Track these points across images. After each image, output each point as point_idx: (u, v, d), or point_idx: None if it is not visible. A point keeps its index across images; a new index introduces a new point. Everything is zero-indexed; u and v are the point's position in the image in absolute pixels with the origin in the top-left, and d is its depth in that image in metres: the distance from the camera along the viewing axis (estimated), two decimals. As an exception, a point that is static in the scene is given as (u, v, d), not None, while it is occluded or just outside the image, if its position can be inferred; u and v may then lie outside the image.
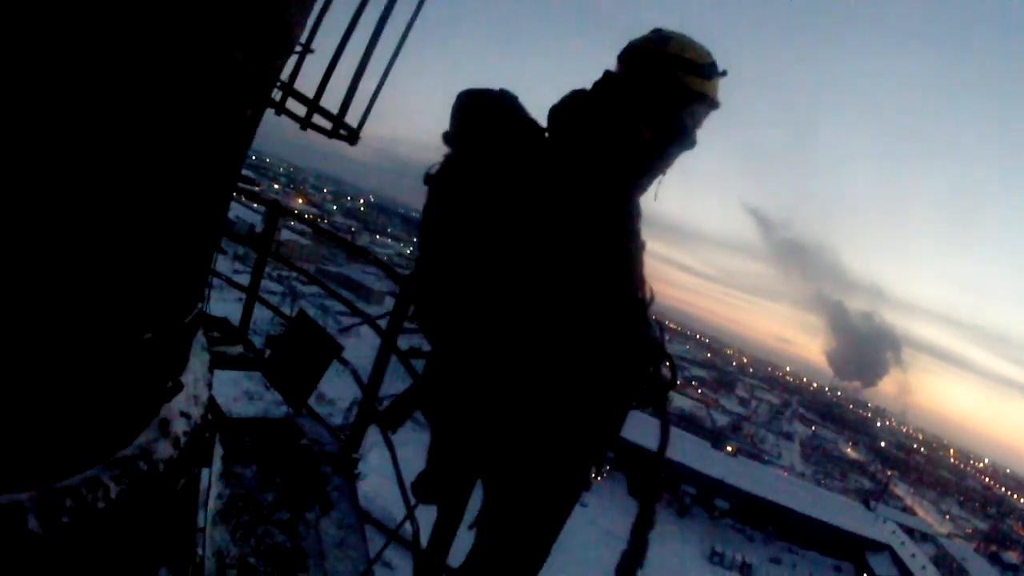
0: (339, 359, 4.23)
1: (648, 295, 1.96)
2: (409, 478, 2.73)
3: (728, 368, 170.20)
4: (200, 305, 1.93)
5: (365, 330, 4.46)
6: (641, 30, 2.17)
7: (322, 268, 69.22)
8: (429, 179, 2.17)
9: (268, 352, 4.78)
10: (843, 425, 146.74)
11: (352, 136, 3.76)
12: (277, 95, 3.50)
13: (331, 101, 3.52)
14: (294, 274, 56.66)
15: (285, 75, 3.48)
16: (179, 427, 1.73)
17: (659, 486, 2.07)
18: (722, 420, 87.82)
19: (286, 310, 5.86)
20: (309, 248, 73.67)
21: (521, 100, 2.13)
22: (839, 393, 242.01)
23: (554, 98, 2.04)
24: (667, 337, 2.07)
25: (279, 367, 4.38)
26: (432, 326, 2.20)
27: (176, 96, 1.29)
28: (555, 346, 1.83)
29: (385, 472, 4.33)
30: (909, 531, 59.77)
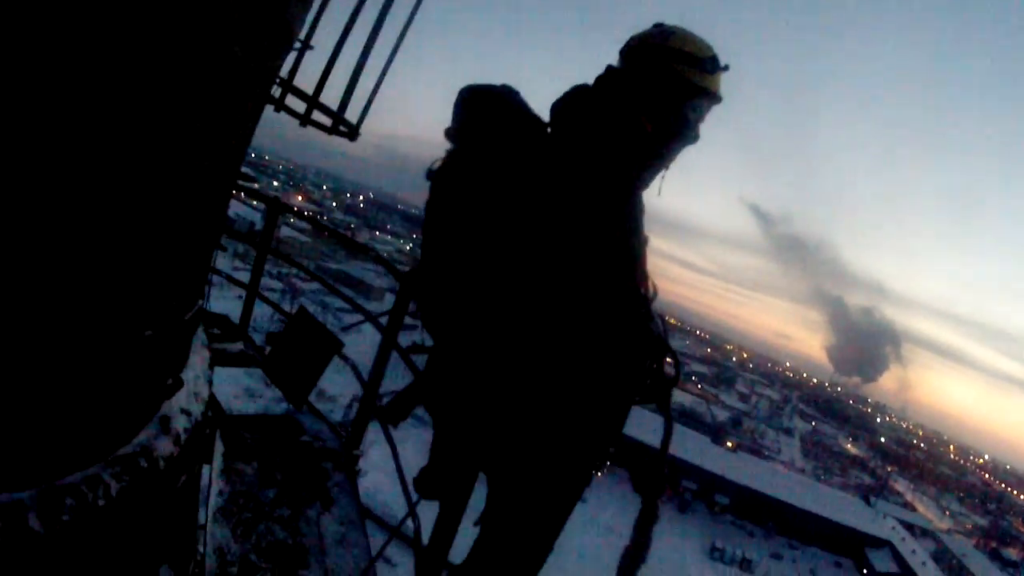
0: (340, 355, 4.23)
1: (651, 290, 1.96)
2: (410, 475, 2.73)
3: (728, 364, 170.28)
4: (200, 302, 1.92)
5: (365, 326, 4.47)
6: (643, 25, 2.17)
7: (322, 265, 69.22)
8: (432, 175, 2.16)
9: (268, 349, 4.78)
10: (843, 421, 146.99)
11: (352, 132, 3.76)
12: (277, 92, 3.49)
13: (330, 98, 3.52)
14: (294, 271, 56.70)
15: (284, 72, 3.47)
16: (180, 424, 1.73)
17: (663, 481, 2.07)
18: (722, 416, 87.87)
19: (286, 307, 5.86)
20: (309, 245, 73.73)
21: (523, 96, 2.13)
22: (839, 389, 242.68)
23: (556, 94, 2.04)
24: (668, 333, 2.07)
25: (279, 364, 4.38)
26: (435, 321, 2.20)
27: (176, 92, 1.29)
28: (558, 341, 1.82)
29: (386, 468, 4.33)
30: (909, 527, 59.93)
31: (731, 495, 53.09)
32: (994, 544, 76.47)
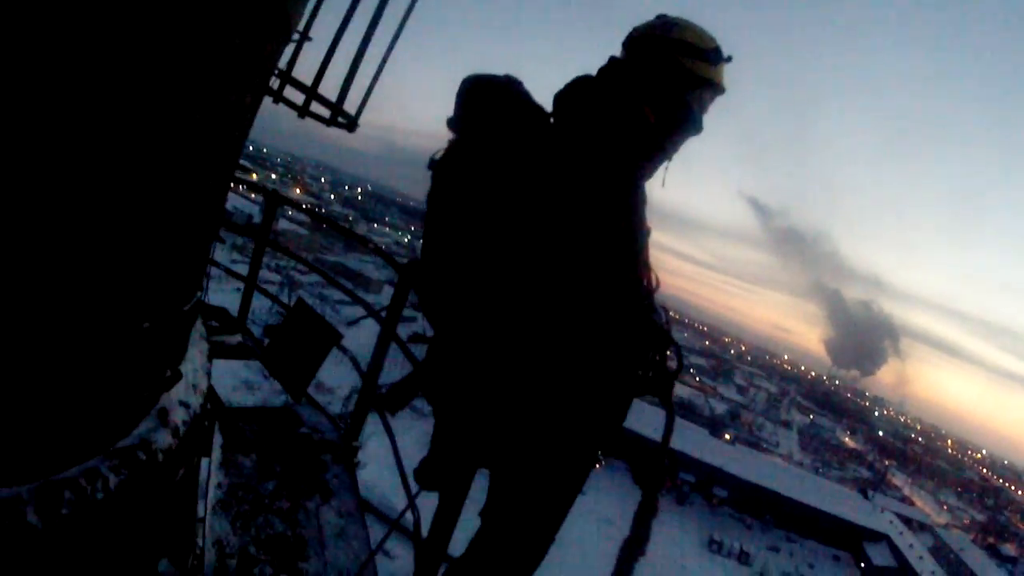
0: (338, 347, 4.23)
1: (653, 282, 1.96)
2: (409, 467, 2.72)
3: (726, 356, 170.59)
4: (199, 294, 1.91)
5: (364, 317, 4.46)
6: (645, 16, 2.16)
7: (320, 258, 69.30)
8: (433, 165, 2.15)
9: (267, 341, 4.77)
10: (841, 414, 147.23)
11: (350, 123, 3.74)
12: (275, 83, 3.48)
13: (329, 89, 3.50)
14: (292, 264, 56.71)
15: (283, 63, 3.46)
16: (178, 417, 1.72)
17: (663, 474, 2.07)
18: (720, 408, 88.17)
19: (284, 300, 5.87)
20: (307, 238, 73.75)
21: (526, 86, 2.12)
22: (837, 382, 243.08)
23: (558, 85, 2.03)
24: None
25: (278, 356, 4.38)
26: (437, 312, 2.19)
27: (174, 83, 1.27)
28: (560, 333, 1.82)
29: (384, 461, 4.33)
30: (907, 521, 60.13)
31: (729, 488, 53.23)
32: (991, 540, 76.66)
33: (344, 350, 4.31)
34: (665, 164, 2.11)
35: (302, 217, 74.30)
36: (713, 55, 2.03)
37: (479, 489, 2.30)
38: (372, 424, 3.93)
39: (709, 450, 55.90)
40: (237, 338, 4.93)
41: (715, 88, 2.07)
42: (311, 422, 4.03)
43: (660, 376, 1.98)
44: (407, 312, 4.00)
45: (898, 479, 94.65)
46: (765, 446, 78.23)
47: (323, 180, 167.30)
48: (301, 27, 3.37)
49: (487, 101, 2.04)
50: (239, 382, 4.23)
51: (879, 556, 50.57)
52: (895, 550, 51.13)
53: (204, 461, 2.85)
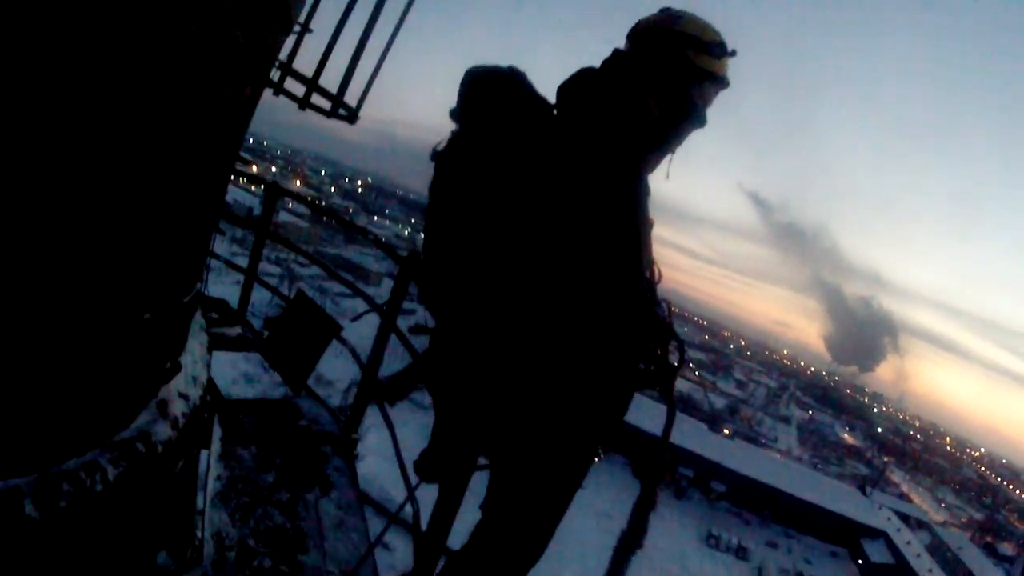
0: (338, 339, 4.22)
1: (655, 275, 1.95)
2: (409, 459, 2.72)
3: (726, 351, 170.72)
4: (199, 286, 1.91)
5: (364, 310, 4.47)
6: (650, 9, 2.15)
7: (320, 250, 69.24)
8: (436, 156, 2.15)
9: (267, 333, 4.77)
10: (840, 410, 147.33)
11: (351, 115, 3.73)
12: (275, 75, 3.46)
13: (330, 81, 3.49)
14: (292, 256, 56.68)
15: (284, 55, 3.44)
16: (178, 409, 1.72)
17: (663, 467, 2.07)
18: (719, 403, 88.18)
19: (284, 292, 5.87)
20: (307, 230, 73.70)
21: (529, 78, 2.12)
22: (836, 378, 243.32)
23: (561, 77, 2.02)
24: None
25: (278, 348, 4.37)
26: (438, 303, 2.19)
27: (175, 75, 1.27)
28: (563, 325, 1.81)
29: (384, 453, 4.33)
30: (905, 518, 60.16)
31: (727, 483, 53.23)
32: (989, 538, 76.73)
33: (344, 342, 4.31)
34: (669, 157, 2.10)
35: (302, 209, 74.21)
36: (717, 48, 2.02)
37: (479, 482, 2.30)
38: (372, 416, 3.93)
39: (708, 445, 55.88)
40: (237, 330, 4.93)
41: (719, 82, 2.07)
42: (311, 414, 4.03)
43: (662, 369, 1.98)
44: (407, 304, 3.99)
45: (896, 476, 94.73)
46: (764, 441, 78.29)
47: (323, 172, 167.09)
48: (302, 19, 3.35)
49: (490, 92, 2.04)
50: (239, 374, 4.23)
51: (877, 553, 50.61)
52: (893, 547, 51.14)
53: (203, 453, 2.85)
